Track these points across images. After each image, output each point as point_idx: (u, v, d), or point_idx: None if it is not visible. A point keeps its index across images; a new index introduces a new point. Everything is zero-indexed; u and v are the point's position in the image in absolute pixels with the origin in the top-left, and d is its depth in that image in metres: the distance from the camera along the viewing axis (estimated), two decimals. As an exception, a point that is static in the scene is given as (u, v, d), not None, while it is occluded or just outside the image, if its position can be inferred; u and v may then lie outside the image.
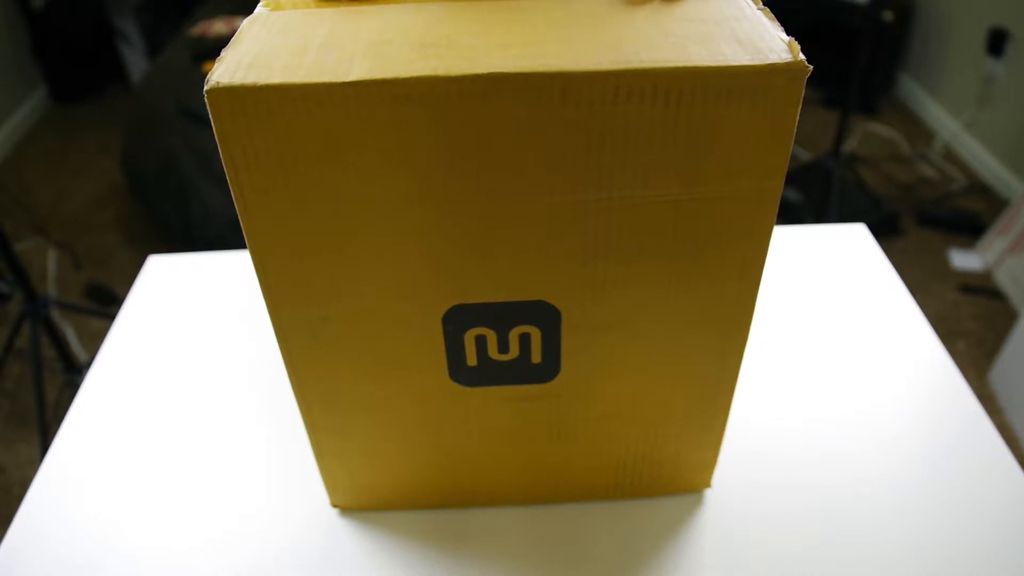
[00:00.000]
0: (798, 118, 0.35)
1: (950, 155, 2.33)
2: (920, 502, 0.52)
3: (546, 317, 0.41)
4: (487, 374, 0.44)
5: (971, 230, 2.01)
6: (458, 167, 0.34)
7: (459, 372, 0.44)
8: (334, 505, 0.53)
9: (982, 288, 1.84)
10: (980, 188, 2.18)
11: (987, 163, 2.20)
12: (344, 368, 0.43)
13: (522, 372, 0.44)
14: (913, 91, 2.56)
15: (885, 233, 1.99)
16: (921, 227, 2.04)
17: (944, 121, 2.38)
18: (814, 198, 2.02)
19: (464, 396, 0.45)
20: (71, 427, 0.60)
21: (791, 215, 2.02)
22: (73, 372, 1.45)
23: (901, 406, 0.59)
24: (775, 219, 0.38)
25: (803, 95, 0.34)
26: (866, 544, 0.50)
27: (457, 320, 0.41)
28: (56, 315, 1.88)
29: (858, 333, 0.66)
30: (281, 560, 0.50)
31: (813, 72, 2.88)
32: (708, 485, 0.53)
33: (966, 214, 2.07)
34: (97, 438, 0.59)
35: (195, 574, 0.50)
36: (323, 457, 0.49)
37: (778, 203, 0.37)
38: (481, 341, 0.42)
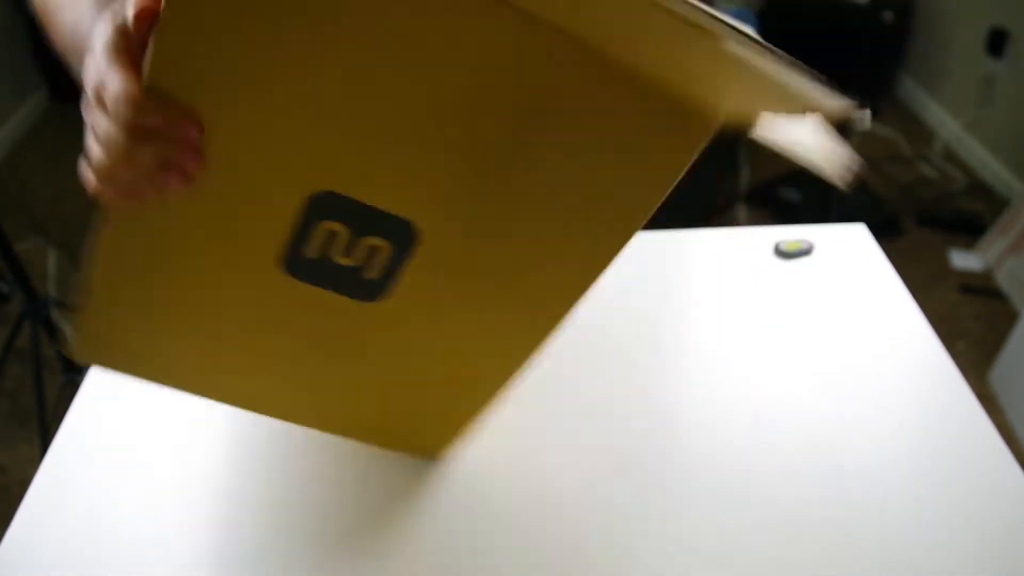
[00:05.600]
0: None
1: (950, 155, 2.32)
2: (919, 502, 0.52)
3: (403, 237, 0.42)
4: (319, 272, 0.43)
5: (971, 230, 2.01)
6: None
7: (294, 260, 0.43)
8: (80, 359, 0.49)
9: (982, 288, 1.84)
10: (980, 188, 2.18)
11: (987, 163, 2.19)
12: (180, 217, 0.41)
13: (352, 282, 0.44)
14: (913, 91, 2.56)
15: (885, 233, 1.99)
16: (921, 227, 2.04)
17: (944, 121, 2.38)
18: (814, 198, 2.02)
19: (285, 287, 0.44)
20: (71, 427, 0.60)
21: (791, 215, 2.02)
22: (73, 372, 1.45)
23: (901, 406, 0.59)
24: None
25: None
26: (865, 544, 0.50)
27: (321, 207, 0.40)
28: (56, 315, 1.88)
29: (858, 333, 0.66)
30: (283, 554, 0.50)
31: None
32: (437, 456, 0.56)
33: (966, 214, 2.07)
34: (97, 438, 0.59)
35: (195, 574, 0.50)
36: (100, 308, 0.46)
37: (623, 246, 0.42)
38: (330, 237, 0.42)
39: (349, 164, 0.38)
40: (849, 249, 0.75)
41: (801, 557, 0.49)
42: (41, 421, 1.37)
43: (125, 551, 0.51)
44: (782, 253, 0.74)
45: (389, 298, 0.45)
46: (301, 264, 0.43)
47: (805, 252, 0.74)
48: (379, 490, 0.55)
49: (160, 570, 0.50)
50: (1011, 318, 1.76)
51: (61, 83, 2.87)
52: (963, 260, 1.92)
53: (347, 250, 0.42)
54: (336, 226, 0.41)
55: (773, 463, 0.55)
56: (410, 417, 0.53)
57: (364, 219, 0.41)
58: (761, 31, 2.74)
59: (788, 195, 2.06)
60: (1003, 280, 1.84)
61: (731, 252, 0.75)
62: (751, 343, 0.65)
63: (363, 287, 0.44)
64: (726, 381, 0.62)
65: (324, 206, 0.40)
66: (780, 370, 0.63)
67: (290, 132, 0.37)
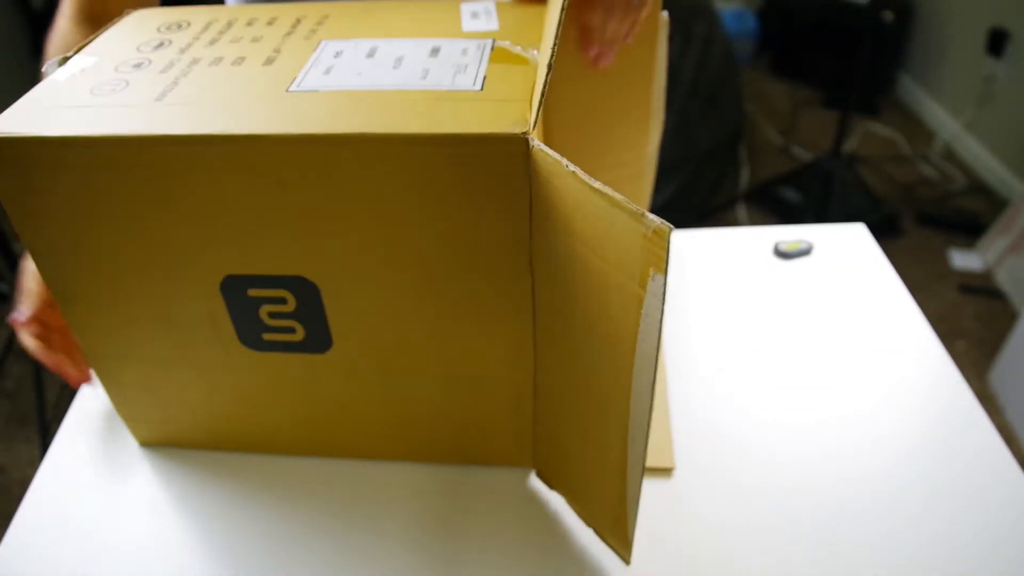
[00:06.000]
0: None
1: (950, 155, 2.32)
2: (919, 502, 0.52)
3: (304, 291, 0.45)
4: (269, 343, 0.48)
5: (971, 230, 2.01)
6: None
7: (245, 337, 0.48)
8: (143, 443, 0.58)
9: (982, 288, 1.84)
10: (980, 188, 2.18)
11: (987, 163, 2.19)
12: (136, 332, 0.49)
13: (297, 343, 0.48)
14: (913, 91, 2.55)
15: (885, 233, 1.99)
16: (921, 227, 2.04)
17: (944, 121, 2.38)
18: (814, 198, 2.02)
19: (254, 359, 0.49)
20: (71, 427, 0.60)
21: (791, 215, 2.02)
22: (73, 372, 1.45)
23: (901, 406, 0.59)
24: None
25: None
26: (865, 544, 0.50)
27: (230, 287, 0.45)
28: (56, 315, 1.87)
29: (858, 333, 0.66)
30: (292, 554, 0.50)
31: (813, 72, 2.87)
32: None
33: (966, 214, 2.07)
34: (97, 438, 0.59)
35: (196, 572, 0.50)
36: (120, 406, 0.55)
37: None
38: (256, 311, 0.47)
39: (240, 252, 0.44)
40: (849, 249, 0.75)
41: (799, 556, 0.49)
42: (41, 421, 1.38)
43: (126, 551, 0.51)
44: (782, 253, 0.74)
45: (340, 342, 0.48)
46: (252, 339, 0.48)
47: (805, 252, 0.74)
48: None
49: (161, 570, 0.50)
50: (1011, 318, 1.76)
51: (61, 83, 2.86)
52: (963, 260, 1.92)
53: (273, 318, 0.47)
54: (264, 295, 0.46)
55: (772, 463, 0.55)
56: (468, 427, 0.53)
57: (267, 285, 0.45)
58: (761, 31, 2.73)
59: (788, 195, 2.06)
60: (1003, 280, 1.84)
61: (731, 252, 0.75)
62: (750, 343, 0.65)
63: (307, 344, 0.48)
64: (725, 381, 0.62)
65: (233, 285, 0.45)
66: (779, 370, 0.63)
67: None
